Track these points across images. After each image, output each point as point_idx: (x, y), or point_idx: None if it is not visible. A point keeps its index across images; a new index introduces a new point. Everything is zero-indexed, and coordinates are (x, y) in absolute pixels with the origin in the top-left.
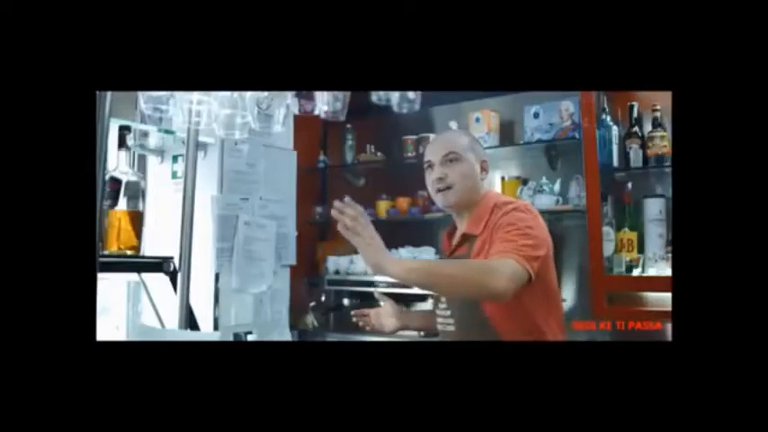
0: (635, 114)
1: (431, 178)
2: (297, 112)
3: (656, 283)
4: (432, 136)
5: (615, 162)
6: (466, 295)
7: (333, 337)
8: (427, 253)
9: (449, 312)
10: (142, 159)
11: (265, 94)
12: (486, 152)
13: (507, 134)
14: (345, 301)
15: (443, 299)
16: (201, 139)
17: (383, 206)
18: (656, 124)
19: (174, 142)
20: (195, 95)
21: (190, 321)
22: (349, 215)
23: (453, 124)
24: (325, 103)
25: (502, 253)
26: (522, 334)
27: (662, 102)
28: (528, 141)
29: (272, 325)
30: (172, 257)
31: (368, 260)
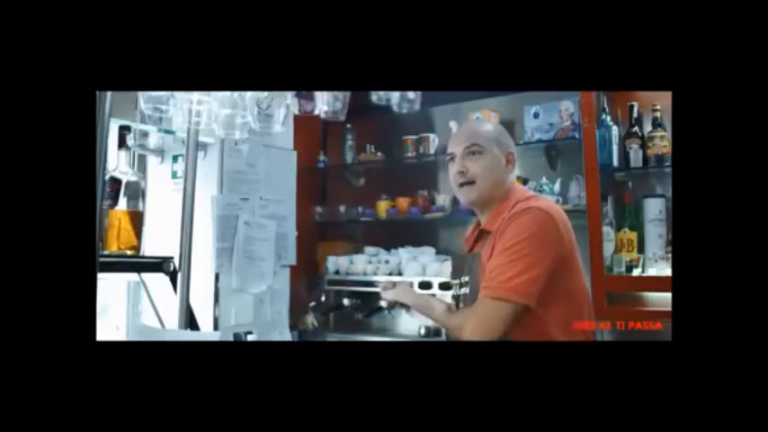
0: (635, 114)
1: (452, 172)
2: (297, 112)
3: (656, 283)
4: (432, 136)
5: (615, 162)
6: None
7: (333, 337)
8: (427, 253)
9: None
10: (142, 159)
11: (265, 94)
12: (513, 143)
13: None
14: (345, 301)
15: (462, 300)
16: (201, 139)
17: (383, 206)
18: (656, 124)
19: (174, 142)
20: (195, 95)
21: (190, 321)
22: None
23: (453, 124)
24: (325, 103)
25: (483, 291)
26: (533, 339)
27: (662, 102)
28: (528, 141)
29: (272, 325)
30: (172, 257)
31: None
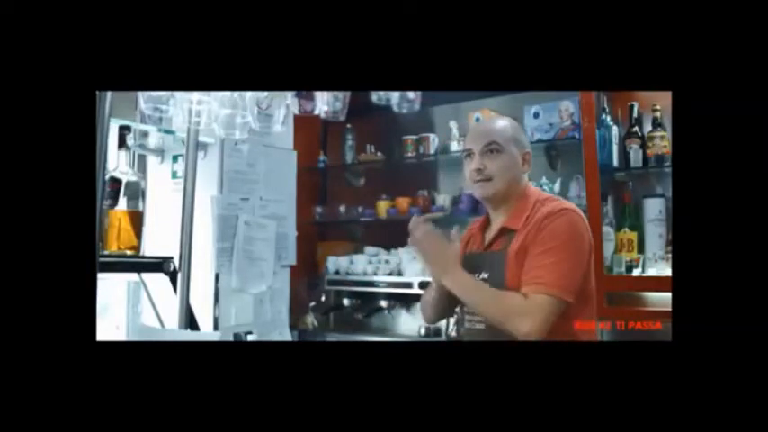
0: (635, 114)
1: (469, 168)
2: (297, 112)
3: (656, 283)
4: (432, 136)
5: (615, 162)
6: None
7: (333, 337)
8: None
9: None
10: (142, 159)
11: (265, 94)
12: (528, 143)
13: None
14: (345, 301)
15: None
16: (201, 139)
17: (383, 206)
18: (656, 124)
19: (174, 142)
20: (195, 95)
21: (190, 321)
22: (420, 230)
23: (453, 124)
24: (325, 103)
25: (535, 286)
26: (557, 336)
27: (662, 102)
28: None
29: (272, 325)
30: (172, 257)
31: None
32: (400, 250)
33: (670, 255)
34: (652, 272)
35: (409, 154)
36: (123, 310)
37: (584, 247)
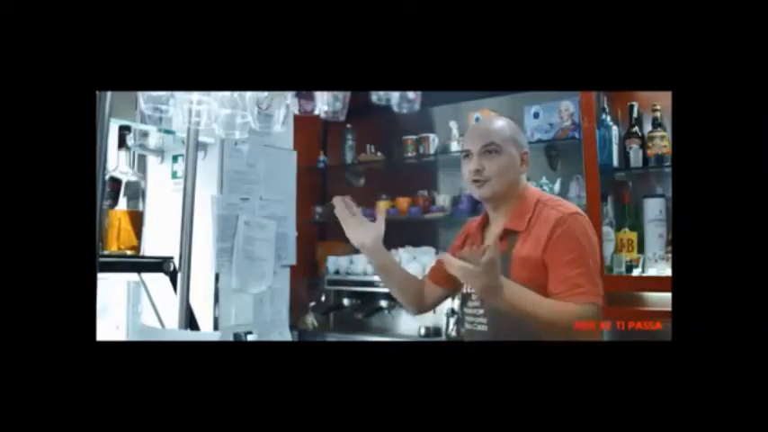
0: (635, 114)
1: (467, 168)
2: (297, 112)
3: (656, 283)
4: (432, 136)
5: (615, 162)
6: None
7: (333, 337)
8: (427, 253)
9: (482, 311)
10: (142, 159)
11: (265, 94)
12: (527, 143)
13: None
14: (345, 301)
15: (474, 296)
16: (201, 139)
17: (383, 206)
18: (656, 124)
19: (174, 142)
20: (195, 95)
21: (190, 321)
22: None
23: (453, 124)
24: (325, 103)
25: (579, 296)
26: (558, 336)
27: (662, 102)
28: (528, 141)
29: (272, 325)
30: (172, 257)
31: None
32: (400, 250)
33: (670, 255)
34: (652, 272)
35: (409, 154)
36: (123, 310)
37: (597, 250)
